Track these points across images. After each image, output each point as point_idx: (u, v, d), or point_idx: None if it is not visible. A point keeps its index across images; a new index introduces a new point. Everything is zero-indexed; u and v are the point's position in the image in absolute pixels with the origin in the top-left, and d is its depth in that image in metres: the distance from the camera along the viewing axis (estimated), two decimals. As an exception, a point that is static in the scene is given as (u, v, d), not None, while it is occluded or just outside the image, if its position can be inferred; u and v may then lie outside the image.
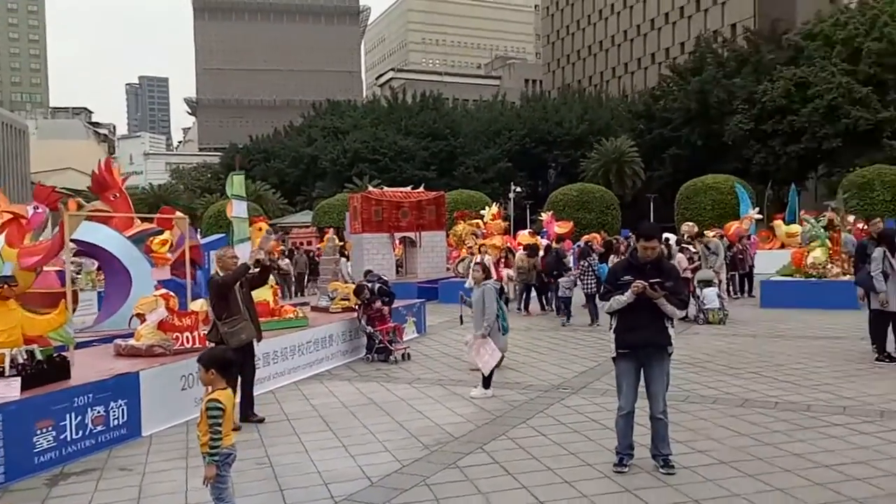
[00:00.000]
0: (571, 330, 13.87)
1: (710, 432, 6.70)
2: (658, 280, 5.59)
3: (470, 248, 18.02)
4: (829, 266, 16.04)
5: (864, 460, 5.79)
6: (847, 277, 14.60)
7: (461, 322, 10.45)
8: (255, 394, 7.83)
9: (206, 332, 7.91)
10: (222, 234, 15.78)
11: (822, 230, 16.75)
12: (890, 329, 9.91)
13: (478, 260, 11.81)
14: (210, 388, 4.60)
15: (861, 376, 8.88)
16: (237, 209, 10.87)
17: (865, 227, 16.98)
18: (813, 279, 16.03)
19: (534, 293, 16.72)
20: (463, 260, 17.86)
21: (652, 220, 46.85)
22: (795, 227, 22.52)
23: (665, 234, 20.32)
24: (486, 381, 8.37)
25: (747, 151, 43.77)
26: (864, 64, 37.91)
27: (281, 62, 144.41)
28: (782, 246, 23.40)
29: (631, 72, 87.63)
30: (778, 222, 25.78)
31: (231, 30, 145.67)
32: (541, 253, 16.31)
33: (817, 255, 16.29)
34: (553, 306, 16.16)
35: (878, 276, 9.69)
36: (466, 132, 62.16)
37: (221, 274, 7.60)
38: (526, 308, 16.48)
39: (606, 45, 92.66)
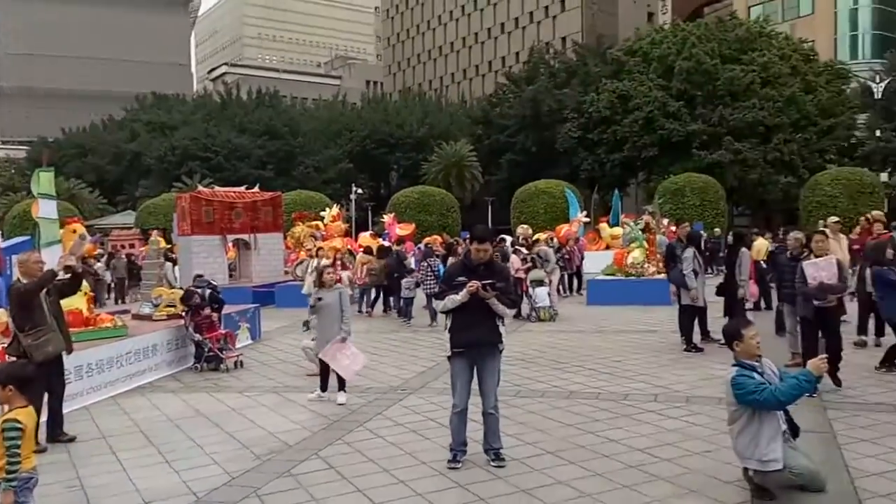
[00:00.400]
0: (412, 331, 14.00)
1: (539, 424, 7.00)
2: (490, 281, 5.78)
3: (309, 250, 17.67)
4: (647, 265, 17.38)
5: (672, 442, 6.29)
6: (662, 276, 15.87)
7: (306, 328, 10.16)
8: (65, 411, 7.16)
9: (5, 345, 7.11)
10: (27, 237, 14.33)
11: (639, 232, 18.12)
12: (696, 322, 10.96)
13: (315, 264, 11.59)
14: (7, 407, 4.14)
15: (671, 366, 9.68)
16: (45, 209, 9.90)
17: (675, 229, 18.55)
18: (632, 278, 17.29)
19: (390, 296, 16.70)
20: (301, 263, 17.47)
21: (490, 222, 48.59)
22: (618, 230, 24.15)
23: (501, 236, 21.10)
24: (341, 384, 8.22)
25: (576, 158, 46.51)
26: (677, 80, 41.48)
27: (99, 50, 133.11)
28: (607, 247, 24.98)
29: (469, 78, 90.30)
30: (603, 225, 27.53)
31: (42, 12, 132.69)
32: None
33: (636, 255, 17.59)
34: (395, 308, 16.25)
35: (689, 274, 10.72)
36: (306, 131, 60.78)
37: (24, 281, 6.87)
38: (371, 309, 16.45)
39: (446, 50, 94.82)
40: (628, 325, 13.75)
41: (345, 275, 15.74)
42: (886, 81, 36.52)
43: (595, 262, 21.62)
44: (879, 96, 36.25)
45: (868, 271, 9.32)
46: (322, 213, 20.71)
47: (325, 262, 14.08)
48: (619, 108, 43.31)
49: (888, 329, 9.40)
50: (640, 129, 42.13)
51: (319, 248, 16.45)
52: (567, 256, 19.69)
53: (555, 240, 20.53)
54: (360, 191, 52.80)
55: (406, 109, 64.83)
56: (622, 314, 15.15)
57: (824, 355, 4.91)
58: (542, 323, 14.37)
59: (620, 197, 31.33)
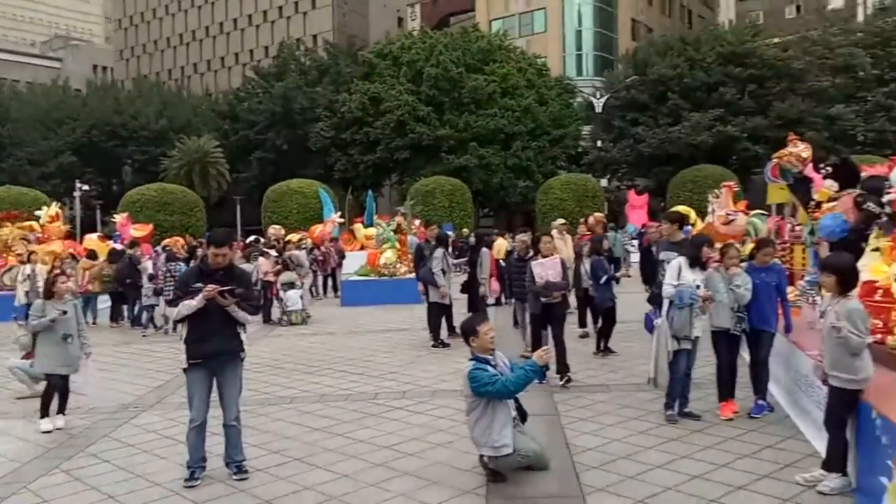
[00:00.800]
0: (148, 342, 12.90)
1: (286, 431, 6.80)
2: (230, 287, 5.48)
3: (20, 255, 15.43)
4: (398, 265, 17.85)
5: (417, 437, 6.48)
6: (412, 275, 16.39)
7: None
8: None
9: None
10: None
11: (391, 233, 18.56)
12: (444, 319, 11.47)
13: (28, 270, 10.13)
14: None
15: (420, 362, 10.01)
16: None
17: (424, 229, 19.29)
18: (385, 278, 17.66)
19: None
20: (10, 270, 15.21)
21: (239, 222, 46.71)
22: (373, 230, 24.52)
23: (253, 237, 20.33)
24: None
25: (330, 158, 46.40)
26: (426, 86, 43.19)
27: None
28: (362, 248, 25.24)
29: (214, 70, 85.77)
30: (358, 225, 27.74)
31: None
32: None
33: (388, 255, 17.99)
34: (128, 318, 14.89)
35: (438, 272, 11.20)
36: (17, 119, 53.01)
37: None
38: (117, 320, 15.03)
39: (187, 38, 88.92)
40: (380, 324, 13.99)
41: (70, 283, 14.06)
42: (605, 97, 41.46)
43: (351, 263, 21.71)
44: (600, 110, 41.05)
45: (583, 269, 10.46)
46: (37, 213, 18.09)
47: (41, 267, 12.46)
48: (372, 110, 44.03)
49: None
50: (393, 132, 43.20)
51: (32, 253, 14.44)
52: (321, 258, 19.55)
53: (308, 240, 20.27)
54: (85, 187, 47.58)
55: (141, 99, 59.36)
56: (375, 314, 15.38)
57: (548, 346, 5.36)
58: (294, 326, 14.09)
59: (375, 198, 31.83)
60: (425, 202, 35.19)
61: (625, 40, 54.54)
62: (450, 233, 23.41)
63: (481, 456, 5.38)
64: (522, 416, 5.63)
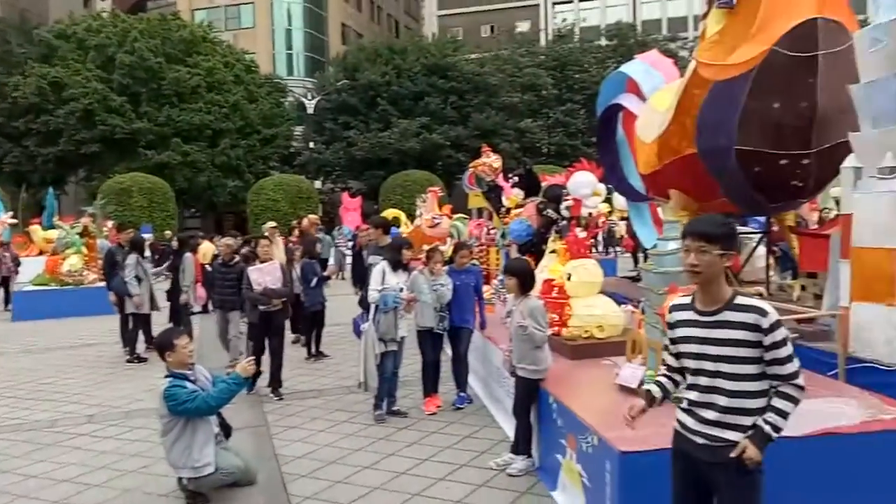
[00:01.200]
0: None
1: (-67, 479, 5.62)
2: None
3: None
4: (86, 273, 15.96)
5: (106, 465, 5.80)
6: (102, 283, 14.76)
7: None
8: None
9: None
10: None
11: (76, 237, 16.52)
12: (141, 331, 10.45)
13: None
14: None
15: (111, 381, 9.00)
16: None
17: (116, 233, 17.55)
18: (70, 287, 15.68)
19: None
20: None
21: None
22: (54, 233, 21.70)
23: None
24: None
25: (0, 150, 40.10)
26: (119, 74, 39.22)
27: None
28: (41, 252, 22.18)
29: None
30: (35, 227, 24.35)
31: None
32: None
33: (73, 261, 16.00)
34: None
35: (132, 280, 10.14)
36: None
37: None
38: None
39: None
40: (62, 340, 12.36)
41: None
42: (317, 99, 41.49)
43: (28, 270, 18.81)
44: (312, 112, 40.96)
45: (294, 273, 10.29)
46: None
47: None
48: (52, 97, 38.85)
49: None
50: (79, 123, 38.54)
51: None
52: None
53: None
54: None
55: None
56: (57, 328, 13.58)
57: (251, 357, 5.14)
58: (-51, 347, 11.83)
59: (57, 196, 28.24)
60: (120, 201, 32.31)
61: (335, 43, 55.35)
62: (148, 235, 21.80)
63: (180, 479, 5.00)
64: (226, 431, 5.35)
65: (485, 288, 8.29)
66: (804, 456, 3.77)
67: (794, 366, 2.81)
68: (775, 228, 8.53)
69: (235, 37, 50.60)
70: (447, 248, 10.42)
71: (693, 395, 2.96)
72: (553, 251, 7.89)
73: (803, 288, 7.83)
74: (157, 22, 42.52)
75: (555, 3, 56.41)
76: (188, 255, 11.27)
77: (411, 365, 7.75)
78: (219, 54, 42.65)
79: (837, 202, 9.74)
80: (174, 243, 13.99)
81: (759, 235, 9.03)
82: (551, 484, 4.94)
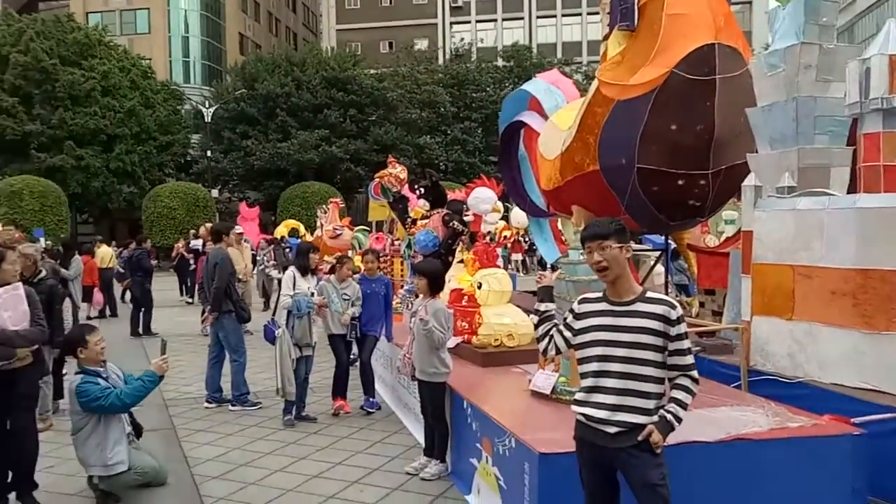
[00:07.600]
0: None
1: None
2: None
3: None
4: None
5: None
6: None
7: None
8: None
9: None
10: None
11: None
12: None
13: None
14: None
15: None
16: None
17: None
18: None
19: None
20: None
21: None
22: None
23: None
24: None
25: None
26: (11, 75, 37.04)
27: None
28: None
29: None
30: None
31: None
32: None
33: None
34: None
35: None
36: None
37: None
38: None
39: None
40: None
41: None
42: (215, 107, 40.24)
43: None
44: (209, 120, 39.68)
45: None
46: None
47: None
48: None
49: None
50: (-32, 123, 35.98)
51: None
52: None
53: None
54: None
55: None
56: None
57: (166, 356, 5.00)
58: None
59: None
60: (10, 204, 31.05)
61: (233, 53, 54.09)
62: (42, 239, 20.94)
63: (90, 477, 4.89)
64: (137, 430, 5.29)
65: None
66: (717, 460, 3.97)
67: (691, 359, 3.10)
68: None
69: (131, 42, 48.59)
70: (355, 259, 10.41)
71: (603, 382, 3.08)
72: (461, 261, 8.04)
73: (701, 304, 8.04)
74: (52, 23, 40.33)
75: (452, 23, 57.36)
76: (78, 257, 10.90)
77: (319, 372, 7.70)
78: (115, 58, 40.95)
79: (729, 222, 10.39)
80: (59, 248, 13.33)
81: (658, 253, 9.17)
82: (465, 488, 5.00)
